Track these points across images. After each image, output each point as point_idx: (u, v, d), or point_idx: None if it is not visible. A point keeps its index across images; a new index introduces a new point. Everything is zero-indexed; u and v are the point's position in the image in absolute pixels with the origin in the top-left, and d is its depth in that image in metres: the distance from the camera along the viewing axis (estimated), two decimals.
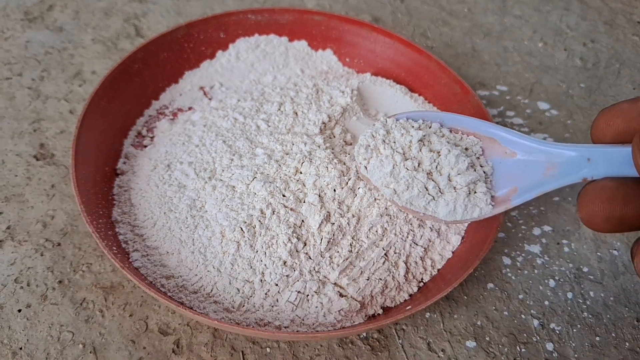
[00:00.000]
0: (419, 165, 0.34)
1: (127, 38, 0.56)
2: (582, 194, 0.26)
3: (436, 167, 0.34)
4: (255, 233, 0.36)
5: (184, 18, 0.59)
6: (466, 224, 0.41)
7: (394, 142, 0.35)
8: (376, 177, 0.35)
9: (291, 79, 0.49)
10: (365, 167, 0.35)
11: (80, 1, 0.59)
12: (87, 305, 0.37)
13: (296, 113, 0.43)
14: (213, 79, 0.50)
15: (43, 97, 0.49)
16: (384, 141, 0.35)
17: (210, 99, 0.48)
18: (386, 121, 0.36)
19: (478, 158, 0.34)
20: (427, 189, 0.33)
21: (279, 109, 0.43)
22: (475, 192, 0.33)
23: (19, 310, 0.36)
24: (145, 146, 0.45)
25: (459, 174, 0.33)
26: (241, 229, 0.36)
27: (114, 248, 0.36)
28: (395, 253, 0.38)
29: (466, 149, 0.34)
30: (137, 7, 0.59)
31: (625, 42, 0.63)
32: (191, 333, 0.36)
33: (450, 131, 0.35)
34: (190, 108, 0.47)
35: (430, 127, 0.35)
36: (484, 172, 0.34)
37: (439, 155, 0.34)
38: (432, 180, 0.34)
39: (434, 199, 0.34)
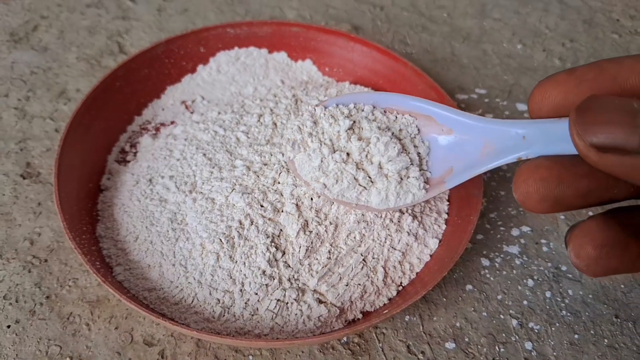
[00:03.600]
0: (348, 157, 0.34)
1: (111, 55, 0.57)
2: (516, 173, 0.25)
3: (366, 156, 0.33)
4: (234, 244, 0.37)
5: (167, 33, 0.60)
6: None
7: (322, 134, 0.34)
8: (305, 171, 0.34)
9: (271, 90, 0.50)
10: (294, 162, 0.34)
11: (65, 20, 0.60)
12: (74, 320, 0.38)
13: (275, 124, 0.44)
14: (195, 92, 0.51)
15: (29, 116, 0.50)
16: (311, 134, 0.34)
17: (192, 113, 0.49)
18: (314, 110, 0.35)
19: (414, 138, 0.33)
20: (357, 180, 0.33)
21: (259, 121, 0.44)
22: (408, 178, 0.33)
23: (8, 326, 0.37)
24: (129, 162, 0.46)
25: (389, 161, 0.33)
26: (220, 240, 0.36)
27: (97, 263, 0.37)
28: (373, 258, 0.38)
29: (400, 130, 0.33)
30: (120, 25, 0.60)
31: (604, 40, 0.64)
32: (175, 343, 0.37)
33: (385, 111, 0.34)
34: (172, 122, 0.48)
35: (362, 111, 0.34)
36: (419, 153, 0.33)
37: (369, 144, 0.33)
38: (362, 171, 0.33)
39: (365, 189, 0.33)
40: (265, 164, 0.40)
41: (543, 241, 0.44)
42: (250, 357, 0.37)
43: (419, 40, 0.62)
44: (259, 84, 0.51)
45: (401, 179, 0.33)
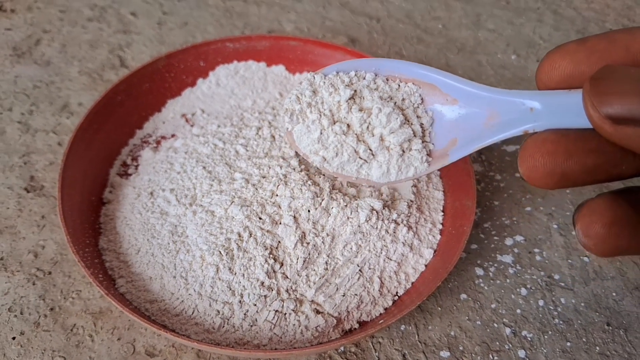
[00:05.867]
0: (348, 128, 0.33)
1: (112, 69, 0.58)
2: (522, 147, 0.24)
3: (367, 127, 0.33)
4: (233, 256, 0.38)
5: (167, 47, 0.61)
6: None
7: (322, 104, 0.33)
8: (304, 144, 0.33)
9: (270, 102, 0.51)
10: (292, 134, 0.34)
11: (67, 34, 0.62)
12: (78, 331, 0.39)
13: (273, 137, 0.45)
14: (195, 106, 0.52)
15: (32, 130, 0.51)
16: (310, 104, 0.33)
17: (192, 126, 0.50)
18: (314, 78, 0.34)
19: (417, 108, 0.32)
20: (357, 153, 0.33)
21: (257, 133, 0.45)
22: (410, 150, 0.32)
23: (13, 338, 0.38)
24: (130, 175, 0.47)
25: (391, 133, 0.32)
26: (220, 252, 0.37)
27: (100, 275, 0.38)
28: (369, 269, 0.39)
29: (403, 99, 0.33)
30: (122, 38, 0.62)
31: None
32: (176, 354, 0.38)
33: (387, 79, 0.33)
34: (173, 135, 0.49)
35: (364, 79, 0.33)
36: (422, 123, 0.32)
37: (370, 115, 0.32)
38: (363, 143, 0.33)
39: (366, 162, 0.33)
40: (263, 177, 0.41)
41: (536, 250, 0.45)
42: None
43: (414, 51, 0.63)
44: (257, 96, 0.52)
45: (403, 151, 0.32)
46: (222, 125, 0.47)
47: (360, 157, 0.33)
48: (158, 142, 0.49)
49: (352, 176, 0.33)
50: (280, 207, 0.39)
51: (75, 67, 0.58)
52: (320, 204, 0.39)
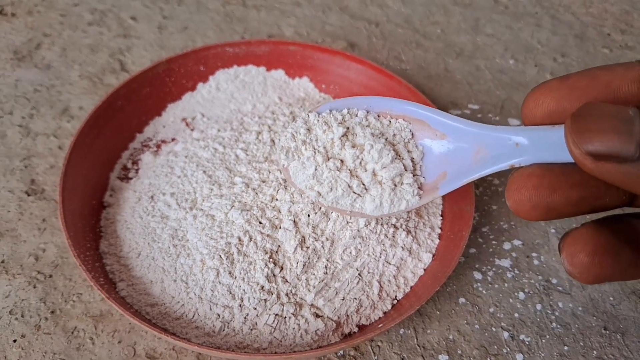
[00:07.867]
0: (342, 164, 0.34)
1: (113, 73, 0.58)
2: (509, 181, 0.25)
3: (360, 163, 0.34)
4: (233, 260, 0.38)
5: (167, 51, 0.61)
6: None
7: (316, 141, 0.34)
8: (299, 180, 0.35)
9: (269, 107, 0.51)
10: (288, 170, 0.35)
11: (67, 38, 0.62)
12: (78, 334, 0.39)
13: (273, 141, 0.45)
14: (195, 110, 0.52)
15: (33, 134, 0.51)
16: (304, 141, 0.34)
17: (192, 130, 0.50)
18: (308, 117, 0.35)
19: (408, 143, 0.33)
20: (351, 188, 0.34)
21: (257, 138, 0.46)
22: (401, 184, 0.33)
23: (14, 341, 0.38)
24: (131, 179, 0.47)
25: (383, 168, 0.33)
26: (220, 256, 0.38)
27: (101, 279, 0.38)
28: (369, 273, 0.40)
29: (394, 135, 0.34)
30: (122, 42, 0.62)
31: (595, 54, 0.65)
32: (177, 357, 0.38)
33: (379, 116, 0.34)
34: (173, 139, 0.50)
35: (356, 116, 0.34)
36: (413, 158, 0.33)
37: (363, 151, 0.34)
38: (356, 178, 0.34)
39: (359, 196, 0.34)
40: (263, 181, 0.42)
41: (534, 254, 0.45)
42: None
43: (413, 56, 0.63)
44: (257, 101, 0.53)
45: (395, 185, 0.33)
46: (222, 129, 0.48)
47: (354, 192, 0.34)
48: (158, 146, 0.49)
49: (346, 210, 0.34)
50: (280, 211, 0.40)
51: (76, 71, 0.58)
52: (320, 208, 0.39)
